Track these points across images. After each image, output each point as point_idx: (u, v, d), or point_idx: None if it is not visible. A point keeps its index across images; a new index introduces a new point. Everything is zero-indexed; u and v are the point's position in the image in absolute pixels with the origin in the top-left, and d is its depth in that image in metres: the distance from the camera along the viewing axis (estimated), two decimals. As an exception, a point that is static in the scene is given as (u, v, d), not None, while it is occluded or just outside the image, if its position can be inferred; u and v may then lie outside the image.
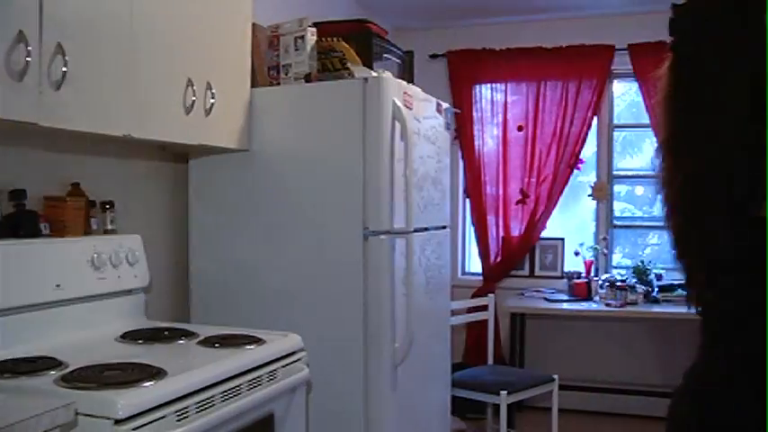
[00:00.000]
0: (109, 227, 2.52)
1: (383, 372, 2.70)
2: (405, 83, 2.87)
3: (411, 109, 2.85)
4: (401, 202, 2.73)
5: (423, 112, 3.02)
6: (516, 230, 5.11)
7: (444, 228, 3.32)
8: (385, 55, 3.14)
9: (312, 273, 2.77)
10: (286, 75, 2.97)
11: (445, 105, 3.31)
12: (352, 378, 2.70)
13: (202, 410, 1.80)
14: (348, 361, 2.71)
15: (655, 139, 4.73)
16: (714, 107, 1.19)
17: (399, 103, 2.71)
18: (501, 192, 5.12)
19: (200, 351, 2.16)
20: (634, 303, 4.52)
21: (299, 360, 2.31)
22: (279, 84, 2.98)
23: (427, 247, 3.08)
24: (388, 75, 2.75)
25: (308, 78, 2.89)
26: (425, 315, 3.06)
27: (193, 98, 2.41)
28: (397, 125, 2.71)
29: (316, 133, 2.77)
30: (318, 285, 2.76)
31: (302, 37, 2.93)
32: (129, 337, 2.28)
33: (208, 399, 1.83)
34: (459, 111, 5.01)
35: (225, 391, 1.91)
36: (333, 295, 2.73)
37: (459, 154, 5.23)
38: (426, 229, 3.10)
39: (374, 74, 2.71)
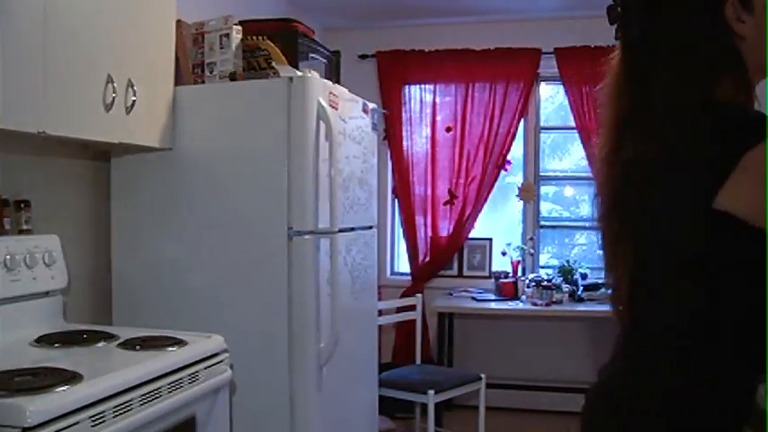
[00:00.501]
0: (24, 227, 2.44)
1: (308, 372, 2.70)
2: (330, 83, 2.87)
3: (336, 109, 2.85)
4: (326, 202, 2.72)
5: (349, 112, 3.02)
6: (444, 231, 5.16)
7: (371, 228, 3.33)
8: (311, 55, 3.13)
9: (236, 273, 2.74)
10: (211, 73, 2.93)
11: (372, 106, 3.32)
12: (277, 379, 2.69)
13: (119, 415, 1.76)
14: (273, 361, 2.69)
15: (581, 141, 4.85)
16: (659, 99, 1.17)
17: (324, 104, 2.70)
18: (429, 192, 5.17)
19: (120, 354, 2.11)
20: (559, 302, 4.61)
21: (221, 361, 2.29)
22: (204, 82, 2.94)
23: (353, 247, 3.09)
24: (314, 74, 2.74)
25: (233, 77, 2.85)
26: (351, 315, 3.07)
27: (114, 95, 2.36)
28: (322, 125, 2.70)
29: (240, 133, 2.75)
30: (243, 286, 2.73)
31: (227, 35, 2.90)
32: (45, 340, 2.21)
33: (125, 403, 1.79)
34: (386, 111, 5.03)
35: (144, 395, 1.87)
36: (257, 295, 2.71)
37: (388, 154, 5.26)
38: (353, 230, 3.10)
39: (299, 73, 2.70)
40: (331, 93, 2.82)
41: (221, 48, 2.91)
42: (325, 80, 2.87)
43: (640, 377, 1.22)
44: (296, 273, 2.67)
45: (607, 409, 1.27)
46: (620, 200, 1.25)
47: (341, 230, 2.87)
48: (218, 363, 2.27)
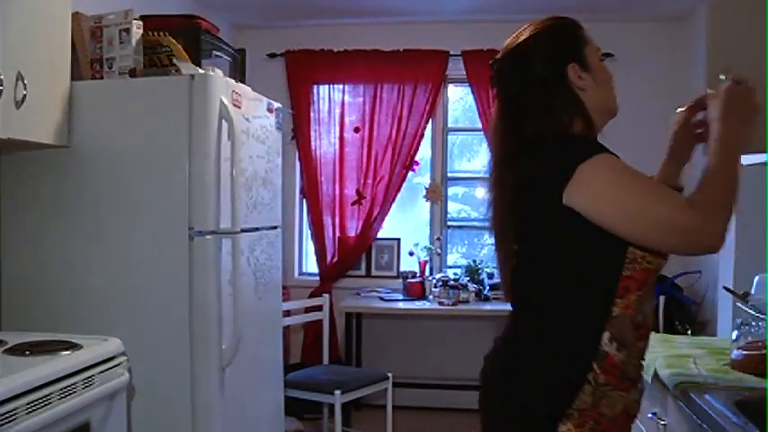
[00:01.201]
0: None
1: (210, 374, 2.65)
2: (233, 81, 2.84)
3: (240, 108, 2.82)
4: (228, 201, 2.68)
5: (253, 111, 2.98)
6: (353, 231, 5.16)
7: (275, 228, 3.30)
8: (215, 52, 3.08)
9: (136, 274, 2.67)
10: (110, 68, 2.85)
11: (277, 105, 3.29)
12: (178, 382, 2.63)
13: (3, 425, 1.69)
14: (173, 364, 2.63)
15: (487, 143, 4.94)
16: (530, 134, 1.58)
17: (227, 102, 2.67)
18: (337, 192, 5.16)
19: (7, 360, 2.03)
20: (466, 302, 4.69)
21: (119, 365, 2.24)
22: (102, 78, 2.85)
23: (257, 247, 3.05)
24: (217, 72, 2.70)
25: (132, 73, 2.78)
26: (255, 316, 3.03)
27: (0, 88, 2.26)
28: (225, 124, 2.66)
29: (140, 130, 2.68)
30: (142, 287, 2.66)
31: (127, 30, 2.82)
32: (-77, 347, 2.11)
33: (10, 412, 1.72)
34: (291, 111, 5.00)
35: (31, 402, 1.81)
36: (157, 297, 2.65)
37: (296, 154, 5.23)
38: (257, 230, 3.07)
39: (202, 71, 2.65)
40: (234, 91, 2.78)
41: (121, 43, 2.83)
42: (229, 79, 2.83)
43: (516, 342, 1.66)
44: (197, 273, 2.63)
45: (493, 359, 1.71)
46: (503, 206, 1.66)
47: (244, 230, 2.84)
48: (114, 366, 2.22)
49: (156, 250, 2.65)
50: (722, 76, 1.54)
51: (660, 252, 1.51)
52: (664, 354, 2.24)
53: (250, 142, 2.95)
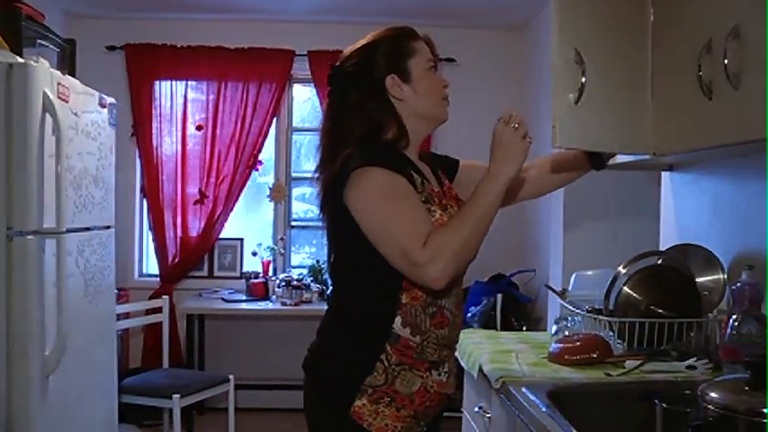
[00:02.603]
0: None
1: (31, 382, 2.52)
2: (59, 73, 2.70)
3: (67, 102, 2.69)
4: (53, 200, 2.55)
5: (82, 105, 2.85)
6: (195, 231, 5.04)
7: (108, 228, 3.17)
8: (40, 41, 2.91)
9: (-53, 277, 2.49)
10: None
11: (110, 100, 3.16)
12: (-6, 391, 2.48)
13: None
14: (-12, 373, 2.48)
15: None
16: (349, 133, 1.72)
17: (52, 95, 2.54)
18: (179, 191, 5.03)
19: None
20: (309, 302, 4.69)
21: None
22: None
23: (87, 248, 2.92)
24: (42, 63, 2.56)
25: (-55, 61, 2.59)
26: (85, 320, 2.90)
27: None
28: (49, 118, 2.53)
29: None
30: (-46, 291, 2.49)
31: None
32: None
33: None
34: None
35: None
36: (-29, 302, 2.48)
37: (137, 152, 5.04)
38: (88, 230, 2.94)
39: (22, 60, 2.51)
40: (60, 84, 2.65)
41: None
42: (54, 70, 2.68)
43: (328, 326, 1.81)
44: (17, 276, 2.49)
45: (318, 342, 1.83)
46: (322, 203, 1.77)
47: (71, 230, 2.71)
48: None
49: (-30, 251, 2.49)
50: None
51: None
52: (489, 350, 2.33)
53: (79, 138, 2.82)
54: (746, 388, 1.09)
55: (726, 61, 1.43)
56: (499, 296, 4.40)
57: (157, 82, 5.06)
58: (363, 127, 1.72)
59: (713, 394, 1.10)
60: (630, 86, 1.89)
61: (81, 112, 2.83)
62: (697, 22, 1.62)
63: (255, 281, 4.86)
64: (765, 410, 1.04)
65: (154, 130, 5.02)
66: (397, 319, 1.67)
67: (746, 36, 1.40)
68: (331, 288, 1.88)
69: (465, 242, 1.55)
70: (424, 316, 1.68)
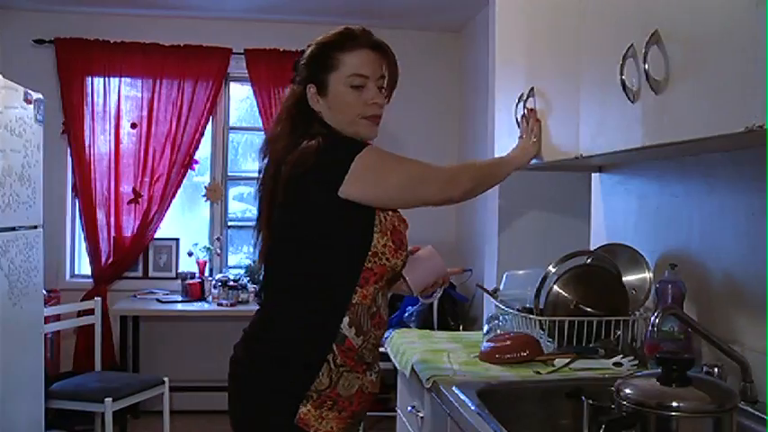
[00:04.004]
0: None
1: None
2: (-19, 68, 2.61)
3: (-11, 97, 2.60)
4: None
5: (5, 101, 2.77)
6: (129, 231, 4.94)
7: (36, 228, 3.08)
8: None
9: None
10: None
11: (36, 96, 3.07)
12: None
13: None
14: None
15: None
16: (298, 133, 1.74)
17: (-28, 90, 2.46)
18: (113, 190, 4.92)
19: None
20: (245, 302, 4.65)
21: None
22: None
23: (12, 248, 2.84)
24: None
25: None
26: (9, 323, 2.83)
27: None
28: (-31, 114, 2.45)
29: None
30: None
31: None
32: None
33: None
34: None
35: None
36: None
37: (68, 149, 4.92)
38: (13, 229, 2.85)
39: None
40: (-19, 79, 2.57)
41: None
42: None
43: (262, 327, 1.78)
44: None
45: (243, 356, 1.79)
46: (267, 197, 1.77)
47: (-6, 230, 2.63)
48: None
49: None
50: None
51: (397, 253, 1.74)
52: (422, 349, 2.33)
53: (2, 134, 2.73)
54: (657, 383, 1.12)
55: (646, 66, 1.45)
56: (436, 295, 4.42)
57: (89, 78, 4.95)
58: (299, 124, 1.76)
59: (627, 390, 1.13)
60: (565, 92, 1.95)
61: (4, 108, 2.74)
62: (621, 26, 1.65)
63: (191, 281, 4.79)
64: (674, 404, 1.07)
65: (86, 128, 4.91)
66: (345, 319, 1.68)
67: (666, 41, 1.43)
68: (264, 286, 1.83)
69: (478, 172, 1.90)
70: (367, 317, 1.71)
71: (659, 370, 1.14)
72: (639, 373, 1.59)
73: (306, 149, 1.67)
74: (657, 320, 1.60)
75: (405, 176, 1.73)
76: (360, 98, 1.75)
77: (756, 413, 1.56)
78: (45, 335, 3.53)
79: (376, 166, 1.70)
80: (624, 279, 2.19)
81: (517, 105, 2.29)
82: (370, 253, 1.69)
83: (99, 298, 4.28)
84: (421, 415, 2.20)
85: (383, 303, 1.77)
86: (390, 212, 1.74)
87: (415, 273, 1.85)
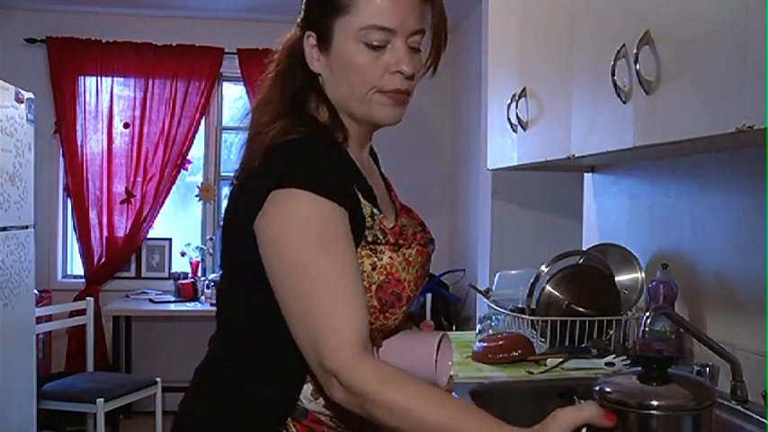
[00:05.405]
0: None
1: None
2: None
3: (-20, 97, 2.59)
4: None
5: (-4, 101, 2.76)
6: (121, 231, 4.94)
7: (27, 228, 3.07)
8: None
9: None
10: None
11: (28, 95, 3.06)
12: None
13: None
14: None
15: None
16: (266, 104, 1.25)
17: (-37, 90, 2.45)
18: (105, 190, 4.92)
19: None
20: (239, 302, 4.62)
21: None
22: None
23: (3, 249, 2.83)
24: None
25: None
26: (0, 324, 2.80)
27: None
28: (-40, 114, 2.44)
29: None
30: None
31: None
32: None
33: None
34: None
35: None
36: None
37: (60, 149, 4.90)
38: (4, 229, 2.84)
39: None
40: (-28, 78, 2.56)
41: None
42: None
43: (213, 368, 1.29)
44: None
45: (192, 396, 1.31)
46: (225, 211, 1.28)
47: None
48: None
49: None
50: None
51: (384, 315, 1.20)
52: (415, 349, 2.34)
53: (-7, 135, 2.73)
54: (638, 381, 1.12)
55: (638, 66, 1.46)
56: (429, 296, 4.43)
57: (82, 77, 4.94)
58: (288, 103, 1.22)
59: (607, 389, 1.13)
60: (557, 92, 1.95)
61: (-5, 108, 2.74)
62: (612, 27, 1.65)
63: (184, 281, 4.78)
64: (654, 402, 1.07)
65: (78, 127, 4.90)
66: (306, 388, 1.17)
67: (658, 42, 1.44)
68: (217, 310, 1.33)
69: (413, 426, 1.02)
70: None
71: (640, 369, 1.15)
72: (618, 372, 1.60)
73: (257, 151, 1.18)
74: (649, 320, 1.60)
75: (295, 291, 1.10)
76: (377, 61, 1.17)
77: (747, 412, 1.56)
78: (37, 335, 3.52)
79: (275, 241, 1.11)
80: (616, 279, 2.20)
81: (509, 105, 2.30)
82: None
83: (91, 298, 4.26)
84: (414, 415, 2.20)
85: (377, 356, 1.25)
86: (389, 253, 1.19)
87: (443, 368, 1.35)
